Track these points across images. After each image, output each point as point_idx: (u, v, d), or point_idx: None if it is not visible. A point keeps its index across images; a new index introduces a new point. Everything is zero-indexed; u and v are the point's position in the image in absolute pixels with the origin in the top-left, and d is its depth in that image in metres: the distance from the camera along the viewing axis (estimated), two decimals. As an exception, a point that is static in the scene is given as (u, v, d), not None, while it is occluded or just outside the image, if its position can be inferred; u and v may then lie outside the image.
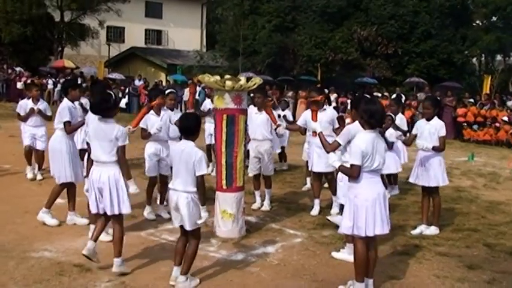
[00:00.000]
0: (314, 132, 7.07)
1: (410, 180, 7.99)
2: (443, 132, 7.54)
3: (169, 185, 5.58)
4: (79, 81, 20.01)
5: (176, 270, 5.52)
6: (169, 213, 7.78)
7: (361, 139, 5.30)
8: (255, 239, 7.13)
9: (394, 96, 21.97)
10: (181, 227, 5.51)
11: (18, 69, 31.62)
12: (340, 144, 6.34)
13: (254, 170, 8.80)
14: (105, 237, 6.74)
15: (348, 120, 7.40)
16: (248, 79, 7.17)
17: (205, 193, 5.46)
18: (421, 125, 7.76)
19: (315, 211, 8.47)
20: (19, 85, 27.75)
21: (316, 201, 8.53)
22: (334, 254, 6.59)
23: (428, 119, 7.63)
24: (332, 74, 29.60)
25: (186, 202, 5.32)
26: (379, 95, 23.08)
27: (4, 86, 30.31)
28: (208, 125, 11.09)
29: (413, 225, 8.03)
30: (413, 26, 30.79)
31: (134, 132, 7.16)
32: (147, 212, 7.97)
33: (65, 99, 7.70)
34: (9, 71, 31.54)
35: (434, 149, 7.49)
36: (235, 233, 7.11)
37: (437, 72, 30.28)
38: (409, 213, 8.91)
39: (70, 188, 7.56)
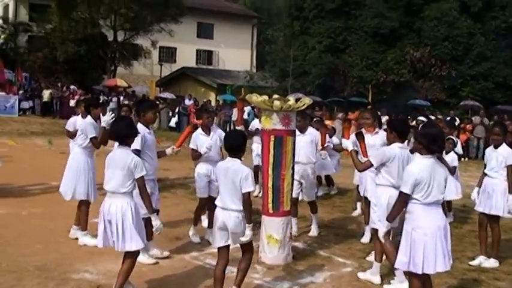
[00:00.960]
0: (346, 150, 6.77)
1: (476, 207, 7.57)
2: (511, 161, 7.09)
3: (216, 203, 5.41)
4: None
5: None
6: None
7: (416, 165, 4.96)
8: (302, 266, 6.80)
9: (448, 119, 21.37)
10: (221, 249, 5.33)
11: (72, 87, 32.32)
12: (372, 165, 6.10)
13: (294, 194, 8.43)
14: (146, 259, 6.58)
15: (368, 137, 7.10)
16: (297, 99, 6.92)
17: (251, 211, 5.27)
18: (489, 152, 7.35)
19: (366, 238, 8.08)
20: (72, 103, 28.31)
21: (367, 228, 8.11)
22: (386, 287, 6.22)
23: (496, 146, 7.21)
24: (383, 96, 29.10)
25: (235, 220, 5.20)
26: (433, 117, 22.46)
27: (58, 103, 31.00)
28: (256, 146, 10.85)
29: (470, 256, 7.57)
30: (468, 47, 30.08)
31: (178, 152, 7.01)
32: (192, 234, 7.72)
33: (88, 117, 7.68)
34: (64, 88, 32.27)
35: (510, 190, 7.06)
36: (281, 259, 6.80)
37: (493, 95, 29.43)
38: (466, 243, 8.42)
39: (83, 205, 7.47)
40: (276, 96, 6.85)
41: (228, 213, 5.22)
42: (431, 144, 4.92)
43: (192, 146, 7.56)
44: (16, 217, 8.60)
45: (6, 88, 30.77)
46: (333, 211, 10.33)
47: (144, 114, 6.68)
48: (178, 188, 11.60)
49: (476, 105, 26.29)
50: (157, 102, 26.36)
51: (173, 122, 28.34)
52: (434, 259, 4.85)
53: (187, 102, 29.79)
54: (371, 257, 7.26)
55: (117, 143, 5.52)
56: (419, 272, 4.89)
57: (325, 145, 8.10)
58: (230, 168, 5.26)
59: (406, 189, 4.90)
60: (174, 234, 7.82)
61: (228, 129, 26.21)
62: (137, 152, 6.44)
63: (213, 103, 31.58)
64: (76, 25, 34.53)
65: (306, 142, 8.17)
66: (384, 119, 25.17)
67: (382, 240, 5.66)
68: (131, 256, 5.35)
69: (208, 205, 7.81)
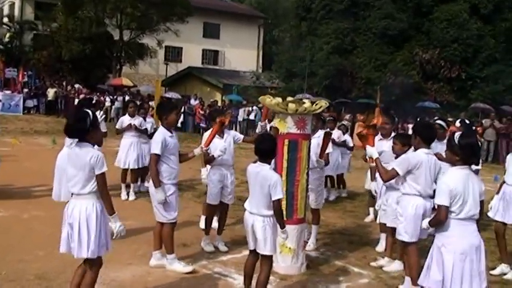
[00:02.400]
0: (370, 158, 6.42)
1: (489, 214, 7.23)
2: None
3: (245, 206, 5.39)
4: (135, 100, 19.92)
5: None
6: (226, 245, 7.32)
7: (450, 176, 4.63)
8: (316, 277, 6.46)
9: (458, 120, 20.98)
10: (251, 250, 5.38)
11: (76, 86, 32.07)
12: (398, 174, 5.79)
13: None
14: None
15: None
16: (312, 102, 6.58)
17: (283, 217, 5.28)
18: (509, 159, 7.04)
19: (381, 247, 7.70)
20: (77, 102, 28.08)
21: (383, 236, 7.76)
22: None
23: None
24: (391, 98, 28.68)
25: (261, 226, 5.16)
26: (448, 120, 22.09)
27: (63, 102, 30.75)
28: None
29: (490, 266, 7.20)
30: (478, 50, 29.69)
31: (207, 151, 6.69)
32: (205, 243, 7.33)
33: None
34: (68, 87, 32.03)
35: None
36: (295, 269, 6.47)
37: (503, 98, 28.98)
38: (484, 252, 8.05)
39: None
40: (290, 98, 6.51)
41: (255, 218, 5.20)
42: (471, 155, 4.59)
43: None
44: (17, 220, 8.30)
45: (11, 86, 30.57)
46: (344, 216, 10.00)
47: (167, 117, 6.38)
48: (185, 191, 11.23)
49: (487, 108, 25.88)
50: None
51: (178, 122, 28.07)
52: (460, 280, 4.50)
53: (193, 102, 29.52)
54: (377, 263, 6.97)
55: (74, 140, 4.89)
56: None
57: (326, 152, 7.56)
58: (259, 173, 5.16)
59: (444, 201, 4.56)
60: (181, 241, 7.47)
61: (234, 129, 25.94)
62: (157, 157, 6.17)
63: (219, 103, 31.27)
64: (82, 24, 34.28)
65: (313, 145, 7.33)
66: (393, 121, 24.95)
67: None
68: (94, 268, 4.85)
69: (222, 211, 7.53)
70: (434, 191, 5.87)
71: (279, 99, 6.40)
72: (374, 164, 6.32)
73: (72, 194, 4.84)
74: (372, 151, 6.33)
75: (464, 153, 4.62)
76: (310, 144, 6.62)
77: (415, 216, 5.74)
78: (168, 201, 6.22)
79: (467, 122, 20.03)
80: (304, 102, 6.33)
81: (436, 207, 4.75)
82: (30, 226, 8.00)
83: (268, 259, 5.28)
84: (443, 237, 4.62)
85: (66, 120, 4.80)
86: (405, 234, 5.85)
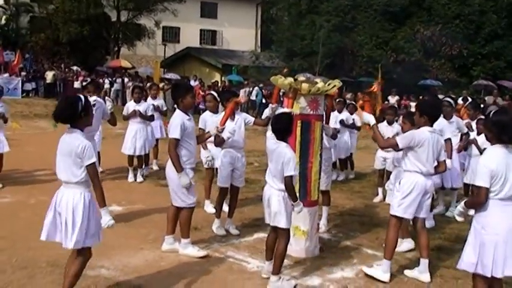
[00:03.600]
0: (368, 125, 6.29)
1: None
2: None
3: (266, 178, 5.51)
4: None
5: (268, 265, 5.54)
6: (237, 228, 7.24)
7: (489, 156, 4.50)
8: (330, 260, 6.36)
9: (461, 98, 20.85)
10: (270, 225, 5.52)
11: (75, 68, 31.80)
12: (396, 144, 5.72)
13: None
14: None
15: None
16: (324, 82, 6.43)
17: (294, 192, 5.34)
18: None
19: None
20: (76, 84, 27.83)
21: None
22: (365, 269, 5.92)
23: None
24: (393, 76, 28.52)
25: (277, 199, 5.32)
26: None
27: (61, 85, 30.51)
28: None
29: None
30: (480, 26, 29.45)
31: (223, 130, 6.55)
32: (216, 227, 7.24)
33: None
34: (67, 70, 31.78)
35: None
36: (309, 252, 6.38)
37: (504, 74, 28.82)
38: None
39: None
40: (302, 78, 6.36)
41: (272, 191, 5.37)
42: (502, 133, 4.45)
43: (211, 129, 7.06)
44: (24, 206, 8.20)
45: (9, 70, 30.30)
46: (353, 197, 9.91)
47: (183, 99, 6.15)
48: (190, 173, 11.14)
49: (490, 84, 25.71)
50: (163, 83, 25.92)
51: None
52: (503, 262, 4.39)
53: (193, 83, 29.26)
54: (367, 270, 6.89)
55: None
56: (488, 274, 4.44)
57: (333, 126, 7.34)
58: (276, 150, 5.32)
59: (484, 183, 4.43)
60: (191, 225, 7.39)
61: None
62: (176, 142, 6.04)
63: (219, 84, 31.06)
64: (79, 5, 33.90)
65: None
66: (394, 99, 24.85)
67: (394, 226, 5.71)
68: (82, 257, 4.68)
69: (232, 194, 7.43)
70: (435, 168, 5.81)
71: (291, 79, 6.26)
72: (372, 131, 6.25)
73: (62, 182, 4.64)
74: (368, 117, 6.24)
75: (495, 131, 4.50)
76: (323, 125, 6.49)
77: (412, 192, 5.68)
78: (192, 185, 6.13)
79: (469, 99, 20.02)
80: (317, 82, 6.18)
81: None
82: (37, 212, 7.84)
83: (285, 232, 5.38)
84: (483, 218, 4.51)
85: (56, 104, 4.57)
86: (398, 209, 5.76)
